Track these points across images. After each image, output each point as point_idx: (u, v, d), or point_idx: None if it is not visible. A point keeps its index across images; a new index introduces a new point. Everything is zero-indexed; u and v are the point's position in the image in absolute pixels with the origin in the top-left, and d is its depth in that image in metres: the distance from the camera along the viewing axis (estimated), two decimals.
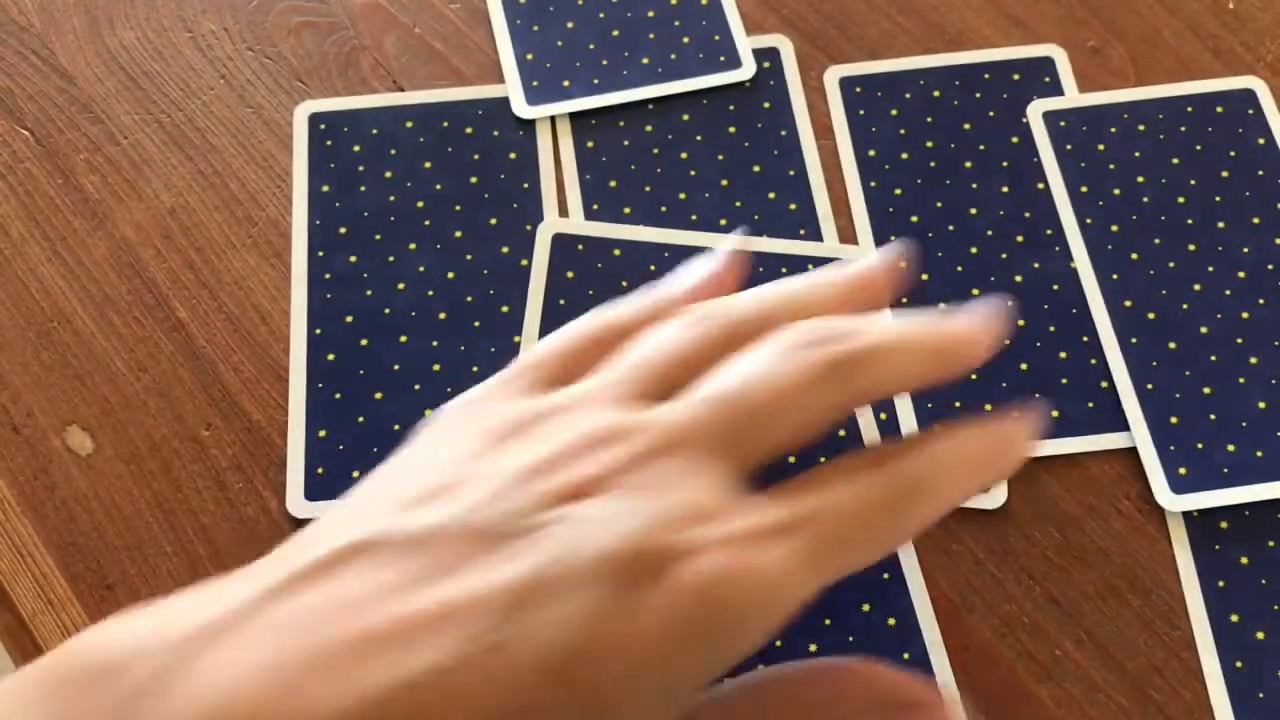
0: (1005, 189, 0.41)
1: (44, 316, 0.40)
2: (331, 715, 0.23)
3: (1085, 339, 0.39)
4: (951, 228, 0.41)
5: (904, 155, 0.42)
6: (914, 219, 0.41)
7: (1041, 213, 0.41)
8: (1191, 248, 0.40)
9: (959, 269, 0.40)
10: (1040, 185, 0.41)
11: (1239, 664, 0.35)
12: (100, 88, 0.44)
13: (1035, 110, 0.42)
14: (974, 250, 0.40)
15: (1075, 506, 0.37)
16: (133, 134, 0.43)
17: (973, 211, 0.41)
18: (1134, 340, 0.39)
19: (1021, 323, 0.39)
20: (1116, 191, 0.41)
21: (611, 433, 0.26)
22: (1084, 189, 0.41)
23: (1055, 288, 0.40)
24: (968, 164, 0.42)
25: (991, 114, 0.43)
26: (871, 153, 0.42)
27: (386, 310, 0.40)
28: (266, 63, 0.44)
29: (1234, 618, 0.35)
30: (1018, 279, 0.40)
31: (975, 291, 0.40)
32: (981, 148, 0.42)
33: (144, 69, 0.44)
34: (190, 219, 0.42)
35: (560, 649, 0.23)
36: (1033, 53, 0.44)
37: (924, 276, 0.40)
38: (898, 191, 0.41)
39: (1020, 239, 0.41)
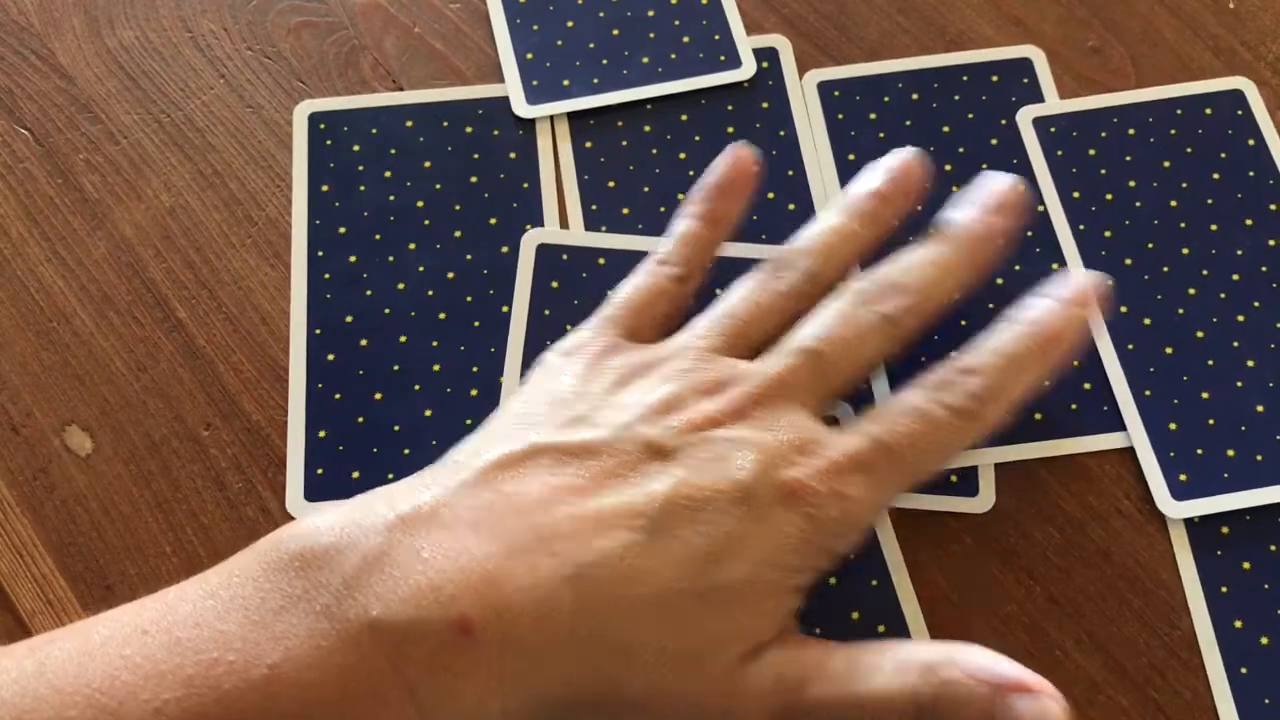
0: None
1: (44, 316, 0.40)
2: (525, 590, 0.28)
3: None
4: (931, 231, 0.41)
5: None
6: (894, 223, 0.41)
7: None
8: (1185, 251, 0.40)
9: None
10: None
11: (1244, 670, 0.34)
12: (100, 88, 0.44)
13: (1025, 117, 0.42)
14: None
15: (1075, 506, 0.37)
16: (132, 134, 0.43)
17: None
18: (1130, 346, 0.39)
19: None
20: (1109, 197, 0.41)
21: (722, 380, 0.33)
22: (1076, 195, 0.41)
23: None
24: (947, 167, 0.42)
25: (970, 116, 0.43)
26: (851, 157, 0.42)
27: (386, 310, 0.40)
28: (266, 63, 0.44)
29: (1238, 623, 0.35)
30: (999, 282, 0.39)
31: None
32: (961, 150, 0.42)
33: (143, 69, 0.44)
34: (190, 219, 0.42)
35: (701, 551, 0.30)
36: (1011, 54, 0.44)
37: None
38: None
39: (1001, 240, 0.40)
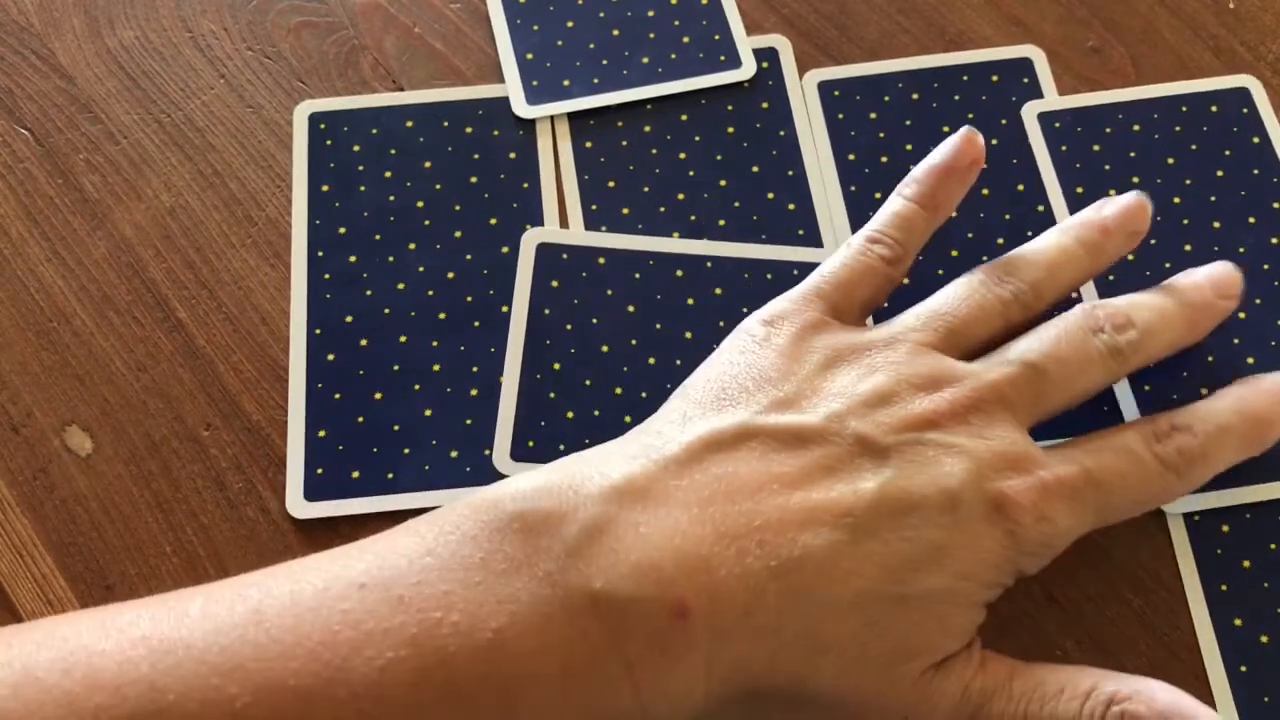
0: (985, 192, 0.41)
1: (44, 316, 0.40)
2: (735, 577, 0.28)
3: None
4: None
5: (883, 159, 0.42)
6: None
7: (1022, 215, 0.41)
8: (1188, 248, 0.40)
9: (940, 273, 0.40)
10: (1020, 187, 0.41)
11: (1244, 669, 0.34)
12: (100, 88, 0.44)
13: (1030, 112, 0.42)
14: (954, 254, 0.40)
15: None
16: (132, 134, 0.43)
17: (952, 214, 0.41)
18: None
19: None
20: (1112, 193, 0.41)
21: (937, 378, 0.32)
22: (1080, 190, 0.41)
23: None
24: None
25: (971, 116, 0.42)
26: (851, 156, 0.42)
27: (386, 310, 0.40)
28: (266, 63, 0.44)
29: (1237, 621, 0.35)
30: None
31: None
32: None
33: (144, 69, 0.44)
34: (190, 219, 0.42)
35: (903, 556, 0.29)
36: (1011, 54, 0.44)
37: (904, 281, 0.40)
38: (878, 195, 0.41)
39: (1001, 241, 0.40)
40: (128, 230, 0.42)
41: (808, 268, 0.40)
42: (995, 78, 0.43)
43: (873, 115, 0.43)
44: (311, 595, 0.28)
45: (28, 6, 0.45)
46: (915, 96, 0.43)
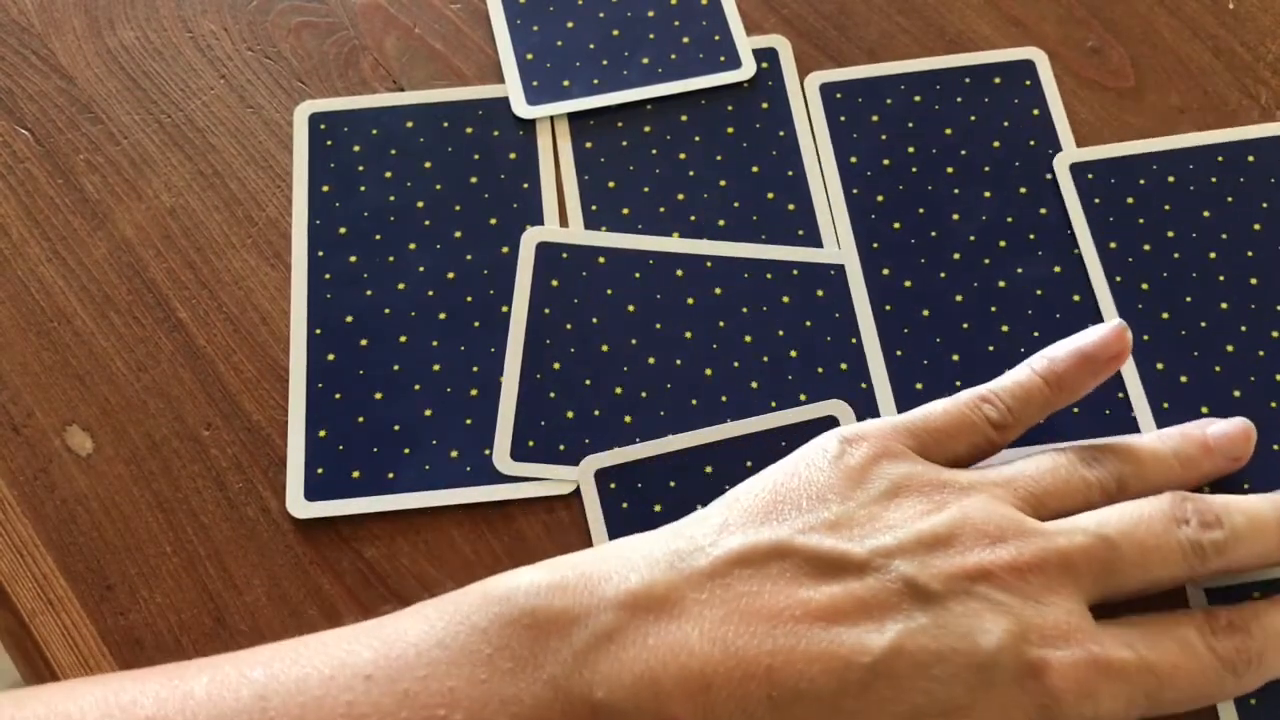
0: (987, 194, 0.41)
1: (44, 316, 0.40)
2: (733, 700, 0.28)
3: None
4: (934, 234, 0.41)
5: (885, 161, 0.42)
6: (896, 225, 0.41)
7: (1023, 217, 0.41)
8: (1224, 306, 0.39)
9: (942, 275, 0.40)
10: (1023, 189, 0.41)
11: (1253, 701, 0.33)
12: (100, 88, 0.44)
13: (1062, 163, 0.41)
14: (957, 256, 0.40)
15: None
16: (133, 134, 0.43)
17: (955, 217, 0.41)
18: (1165, 405, 0.37)
19: (1005, 328, 0.39)
20: (1146, 247, 0.40)
21: (1005, 531, 0.31)
22: (1113, 245, 0.40)
23: (1038, 292, 0.39)
24: (949, 169, 0.41)
25: (973, 118, 0.42)
26: (853, 159, 0.42)
27: (386, 310, 0.40)
28: (266, 63, 0.44)
29: (1252, 701, 0.33)
30: (1001, 284, 0.40)
31: (959, 298, 0.39)
32: (963, 153, 0.42)
33: (144, 69, 0.44)
34: (190, 219, 0.42)
35: (916, 708, 0.28)
36: (1013, 56, 0.43)
37: (907, 284, 0.40)
38: (880, 198, 0.41)
39: (1003, 244, 0.40)
40: (128, 230, 0.42)
41: (807, 268, 0.40)
42: (998, 79, 0.43)
43: (875, 118, 0.43)
44: (317, 684, 0.28)
45: (28, 6, 0.45)
46: (917, 99, 0.43)
